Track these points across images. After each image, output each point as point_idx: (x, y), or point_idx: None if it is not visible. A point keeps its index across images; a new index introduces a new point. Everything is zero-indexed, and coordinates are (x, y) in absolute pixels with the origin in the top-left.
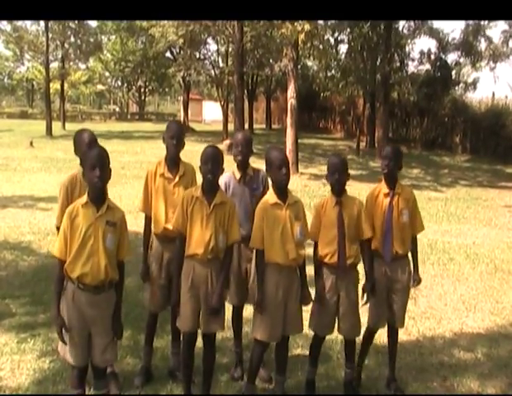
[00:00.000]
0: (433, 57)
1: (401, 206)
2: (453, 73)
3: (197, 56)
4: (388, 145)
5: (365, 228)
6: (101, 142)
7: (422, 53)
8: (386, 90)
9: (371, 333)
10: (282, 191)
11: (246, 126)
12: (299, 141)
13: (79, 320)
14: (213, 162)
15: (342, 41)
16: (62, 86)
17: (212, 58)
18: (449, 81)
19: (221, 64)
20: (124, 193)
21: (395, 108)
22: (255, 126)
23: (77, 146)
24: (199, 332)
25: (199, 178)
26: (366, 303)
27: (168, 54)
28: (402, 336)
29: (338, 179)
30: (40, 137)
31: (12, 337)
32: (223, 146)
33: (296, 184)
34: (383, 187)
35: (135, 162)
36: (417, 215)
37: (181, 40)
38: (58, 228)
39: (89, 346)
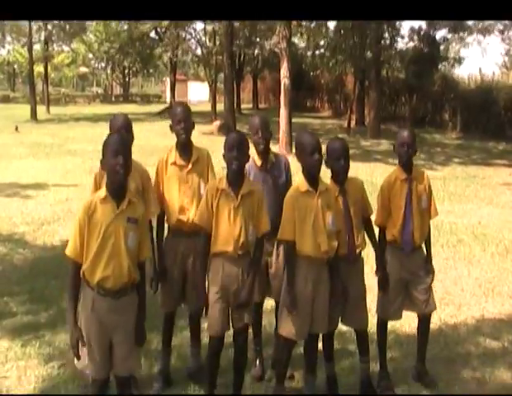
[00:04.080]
0: (422, 33)
1: (420, 192)
2: (441, 49)
3: (183, 36)
4: (403, 130)
5: (369, 207)
6: (88, 125)
7: (412, 29)
8: (377, 68)
9: (382, 324)
10: (314, 178)
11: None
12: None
13: (100, 330)
14: (238, 149)
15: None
16: (46, 68)
17: (198, 37)
18: (437, 57)
19: (208, 44)
20: None
21: (384, 86)
22: (242, 106)
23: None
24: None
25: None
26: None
27: (152, 35)
28: None
29: (343, 165)
30: (24, 121)
31: (15, 339)
32: (213, 127)
33: (292, 165)
34: (399, 173)
35: None
36: (432, 200)
37: (167, 21)
38: None
39: (110, 354)
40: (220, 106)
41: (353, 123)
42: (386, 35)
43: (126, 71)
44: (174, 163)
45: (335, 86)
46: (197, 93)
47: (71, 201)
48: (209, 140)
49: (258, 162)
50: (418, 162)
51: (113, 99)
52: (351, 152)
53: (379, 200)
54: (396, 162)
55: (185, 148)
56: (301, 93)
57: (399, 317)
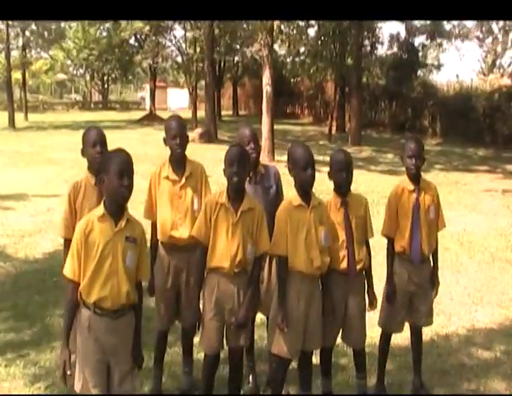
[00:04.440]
0: (401, 40)
1: (428, 202)
2: (420, 55)
3: (163, 43)
4: (410, 141)
5: (370, 228)
6: (67, 133)
7: (392, 36)
8: (358, 74)
9: (386, 337)
10: (307, 193)
11: None
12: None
13: (97, 352)
14: (239, 164)
15: (312, 26)
16: (24, 75)
17: (179, 44)
18: (416, 63)
19: (188, 50)
20: None
21: (364, 92)
22: (222, 113)
23: (84, 146)
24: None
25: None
26: (373, 308)
27: (132, 42)
28: None
29: (346, 177)
30: (2, 129)
31: None
32: (195, 134)
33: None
34: (407, 184)
35: None
36: (440, 211)
37: (147, 27)
38: (65, 240)
39: (107, 376)
40: (201, 113)
41: (333, 129)
42: (367, 41)
43: (105, 78)
44: (167, 178)
45: (315, 92)
46: (177, 100)
47: (52, 212)
48: (190, 148)
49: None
50: (399, 168)
51: (92, 106)
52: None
53: (386, 211)
54: (379, 168)
55: (179, 162)
56: (281, 100)
57: (401, 330)
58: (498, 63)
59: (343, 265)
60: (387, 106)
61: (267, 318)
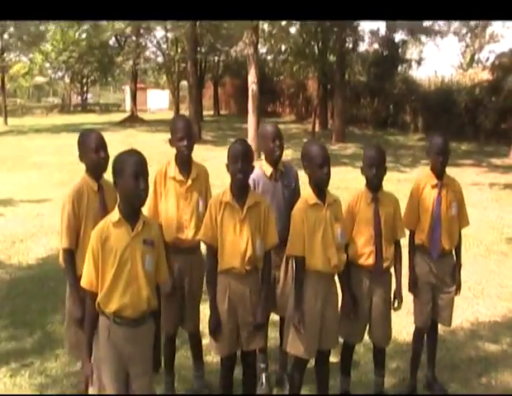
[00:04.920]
0: (382, 36)
1: (450, 199)
2: (400, 51)
3: (143, 43)
4: (437, 138)
5: (400, 228)
6: (49, 136)
7: (372, 32)
8: (341, 72)
9: (420, 334)
10: (322, 191)
11: None
12: (246, 126)
13: (116, 362)
14: (243, 160)
15: (294, 24)
16: (2, 79)
17: (159, 45)
18: (397, 59)
19: (170, 51)
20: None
21: (346, 89)
22: (203, 113)
23: (83, 150)
24: None
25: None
26: (397, 309)
27: (111, 43)
28: None
29: (376, 174)
30: None
31: (2, 368)
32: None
33: None
34: (430, 179)
35: None
36: (464, 209)
37: (129, 28)
38: (65, 250)
39: (126, 385)
40: (184, 114)
41: (317, 127)
42: (348, 39)
43: (84, 80)
44: (174, 178)
45: (297, 90)
46: (157, 101)
47: (42, 217)
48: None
49: (268, 172)
50: (386, 164)
51: (71, 109)
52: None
53: (408, 203)
54: None
55: (186, 163)
56: (263, 98)
57: (428, 325)
58: (477, 57)
59: (370, 261)
60: (369, 103)
61: (280, 319)
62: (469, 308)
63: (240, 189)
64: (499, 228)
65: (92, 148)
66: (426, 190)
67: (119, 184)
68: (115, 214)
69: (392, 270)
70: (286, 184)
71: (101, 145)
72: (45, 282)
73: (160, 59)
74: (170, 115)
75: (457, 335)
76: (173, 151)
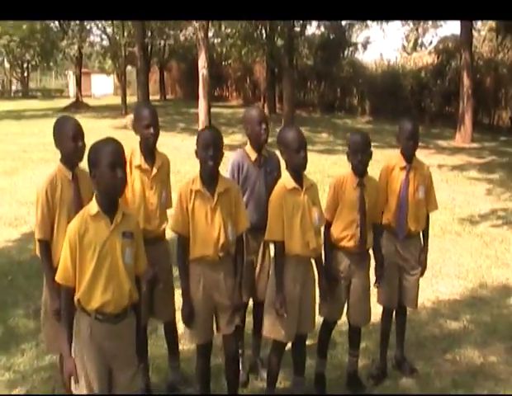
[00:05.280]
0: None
1: (417, 182)
2: (346, 35)
3: (88, 27)
4: (407, 122)
5: (379, 212)
6: None
7: None
8: (290, 56)
9: (388, 314)
10: (299, 175)
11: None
12: (195, 111)
13: (99, 360)
14: (214, 147)
15: None
16: None
17: (103, 28)
18: (343, 43)
19: (116, 35)
20: (39, 180)
21: (294, 72)
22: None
23: (59, 137)
24: None
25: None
26: (378, 286)
27: (53, 26)
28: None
29: (360, 159)
30: None
31: None
32: (127, 121)
33: None
34: (399, 161)
35: (37, 144)
36: (432, 193)
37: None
38: (40, 241)
39: (109, 381)
40: (129, 99)
41: (265, 111)
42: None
43: (25, 65)
44: (139, 167)
45: (244, 74)
46: (101, 86)
47: None
48: (123, 134)
49: (253, 156)
50: (335, 147)
51: (12, 95)
52: (270, 140)
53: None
54: (315, 147)
55: (150, 152)
56: (210, 82)
57: (395, 305)
58: (420, 41)
59: (350, 243)
60: (316, 87)
61: (255, 303)
62: (429, 288)
63: (211, 176)
64: (450, 208)
65: (69, 136)
66: (395, 172)
67: (96, 175)
68: (93, 207)
69: (371, 252)
70: (268, 171)
71: (79, 133)
72: (1, 275)
73: (106, 43)
74: (115, 100)
75: (420, 314)
76: (121, 138)
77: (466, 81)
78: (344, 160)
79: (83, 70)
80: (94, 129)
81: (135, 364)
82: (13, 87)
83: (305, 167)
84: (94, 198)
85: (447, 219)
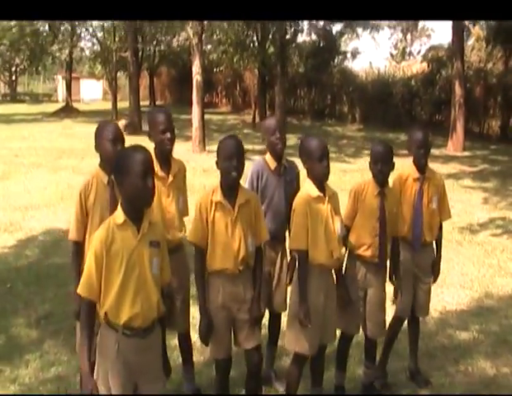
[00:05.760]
0: (319, 27)
1: (431, 193)
2: (337, 43)
3: (78, 32)
4: (418, 131)
5: (397, 226)
6: None
7: (310, 24)
8: (282, 63)
9: (399, 323)
10: (322, 184)
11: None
12: (186, 117)
13: (124, 376)
14: (238, 158)
15: None
16: None
17: (94, 33)
18: (334, 51)
19: (107, 40)
20: (31, 185)
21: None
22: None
23: (99, 141)
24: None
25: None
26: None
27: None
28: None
29: (380, 169)
30: None
31: None
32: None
33: (206, 163)
34: (412, 171)
35: (28, 148)
36: (445, 202)
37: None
38: (74, 243)
39: None
40: (119, 104)
41: (252, 118)
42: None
43: (13, 69)
44: (155, 175)
45: (234, 81)
46: (90, 91)
47: None
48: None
49: (272, 165)
50: (330, 155)
51: (0, 98)
52: (260, 147)
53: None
54: None
55: (166, 158)
56: None
57: (409, 314)
58: (408, 50)
59: (368, 252)
60: (306, 94)
61: (271, 315)
62: (435, 298)
63: (232, 187)
64: None
65: (108, 140)
66: (408, 182)
67: (124, 183)
68: (119, 216)
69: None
70: (288, 180)
71: (119, 138)
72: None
73: (97, 48)
74: (104, 105)
75: (428, 324)
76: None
77: (458, 89)
78: (338, 167)
79: (73, 75)
80: (88, 134)
81: (162, 378)
82: (1, 91)
83: (327, 176)
84: (120, 207)
85: (447, 228)
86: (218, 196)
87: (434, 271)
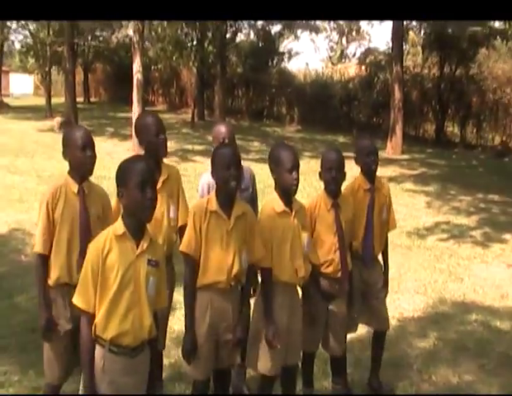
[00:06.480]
0: (259, 28)
1: (381, 202)
2: (276, 43)
3: (9, 24)
4: (364, 139)
5: (354, 233)
6: None
7: (249, 24)
8: (222, 62)
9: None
10: (289, 197)
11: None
12: (120, 115)
13: (110, 394)
14: (236, 166)
15: None
16: None
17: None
18: (273, 51)
19: (40, 34)
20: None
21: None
22: None
23: (67, 147)
24: None
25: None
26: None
27: None
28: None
29: (335, 176)
30: None
31: None
32: (54, 123)
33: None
34: (362, 182)
35: None
36: (391, 211)
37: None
38: (40, 256)
39: None
40: (52, 100)
41: (190, 117)
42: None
43: None
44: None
45: (171, 79)
46: (20, 86)
47: None
48: (50, 137)
49: None
50: (265, 155)
51: None
52: (200, 148)
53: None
54: (250, 156)
55: (156, 163)
56: (131, 86)
57: (355, 330)
58: (345, 53)
59: (330, 269)
60: (244, 94)
61: None
62: (391, 304)
63: (230, 198)
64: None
65: (77, 146)
66: (359, 194)
67: (123, 194)
68: (119, 227)
69: None
70: (243, 188)
71: (89, 143)
72: None
73: (29, 41)
74: (35, 100)
75: (388, 332)
76: (49, 141)
77: (397, 93)
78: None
79: (2, 68)
80: (20, 131)
81: None
82: None
83: (296, 190)
84: (120, 219)
85: (394, 232)
86: (214, 206)
87: (385, 283)
